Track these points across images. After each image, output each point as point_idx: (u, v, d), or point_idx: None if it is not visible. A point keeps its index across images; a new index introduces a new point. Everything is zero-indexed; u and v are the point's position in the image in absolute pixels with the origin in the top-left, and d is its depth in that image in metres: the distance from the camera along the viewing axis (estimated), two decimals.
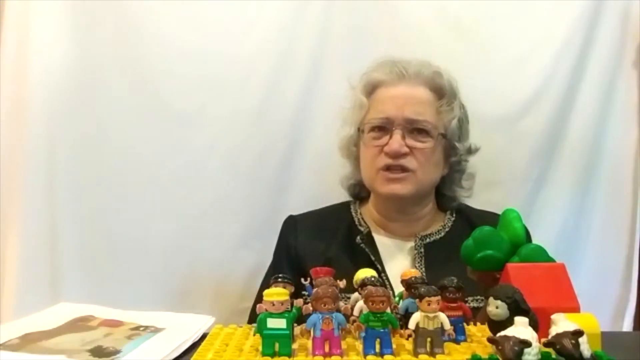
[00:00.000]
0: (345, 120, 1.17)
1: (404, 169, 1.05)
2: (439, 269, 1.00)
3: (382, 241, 1.11)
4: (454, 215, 1.15)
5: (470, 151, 1.15)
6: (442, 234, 1.11)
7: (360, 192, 1.19)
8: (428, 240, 1.10)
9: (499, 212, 0.83)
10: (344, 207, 1.19)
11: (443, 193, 1.16)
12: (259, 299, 1.11)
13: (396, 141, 1.04)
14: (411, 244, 1.10)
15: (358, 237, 1.09)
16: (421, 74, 1.09)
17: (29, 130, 1.25)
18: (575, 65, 1.33)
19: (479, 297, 0.96)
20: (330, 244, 1.10)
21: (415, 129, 1.06)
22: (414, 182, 1.06)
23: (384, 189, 1.07)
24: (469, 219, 1.13)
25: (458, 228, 1.11)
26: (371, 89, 1.12)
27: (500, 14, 1.34)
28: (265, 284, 1.00)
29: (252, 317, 1.04)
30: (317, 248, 1.10)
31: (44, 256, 1.25)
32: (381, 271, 1.04)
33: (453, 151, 1.12)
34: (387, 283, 1.02)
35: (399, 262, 1.08)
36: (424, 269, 1.06)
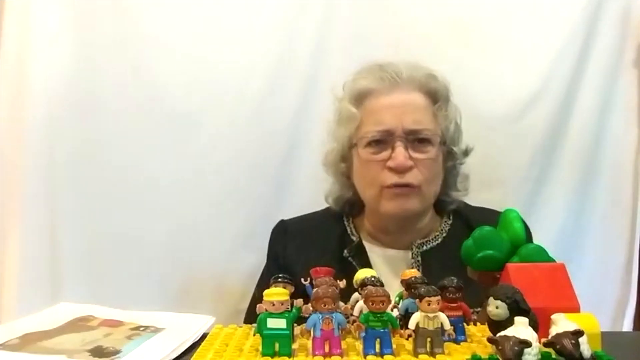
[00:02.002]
0: (330, 134, 1.12)
1: (409, 186, 1.00)
2: (437, 276, 0.96)
3: (375, 251, 1.07)
4: (451, 218, 1.11)
5: (466, 153, 1.11)
6: (439, 239, 1.07)
7: (351, 209, 1.13)
8: (425, 247, 1.05)
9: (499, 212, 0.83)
10: (337, 213, 1.14)
11: (440, 198, 1.10)
12: (253, 301, 1.11)
13: (400, 154, 0.98)
14: (407, 253, 1.06)
15: (345, 251, 1.05)
16: (414, 78, 1.03)
17: (29, 130, 1.25)
18: (575, 65, 1.33)
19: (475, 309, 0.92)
20: (319, 257, 1.02)
21: (416, 139, 1.00)
22: (420, 198, 1.02)
23: (391, 207, 1.01)
24: (467, 220, 1.09)
25: (456, 232, 1.07)
26: (361, 99, 1.04)
27: (501, 14, 1.34)
28: (260, 287, 0.99)
29: (247, 320, 1.03)
30: (306, 260, 1.00)
31: (44, 256, 1.25)
32: None
33: (450, 155, 1.08)
34: None
35: (394, 272, 1.01)
36: None
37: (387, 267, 1.05)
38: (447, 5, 1.34)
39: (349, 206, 1.13)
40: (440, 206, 1.12)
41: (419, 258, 1.04)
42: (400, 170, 0.99)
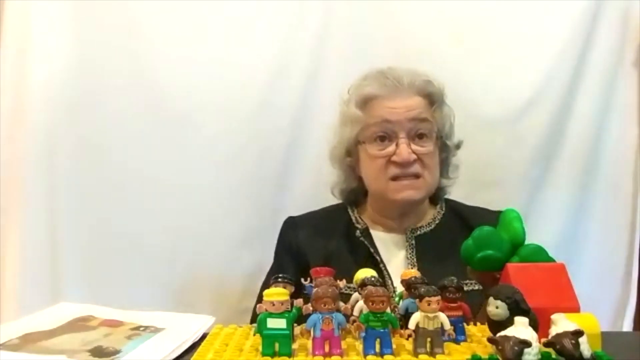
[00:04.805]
0: (336, 131, 1.16)
1: (414, 176, 1.07)
2: (430, 259, 1.07)
3: (378, 236, 1.12)
4: (444, 209, 1.16)
5: (458, 147, 1.17)
6: (432, 226, 1.13)
7: (356, 198, 1.19)
8: (419, 232, 1.12)
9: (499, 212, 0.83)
10: (341, 208, 1.20)
11: None
12: (260, 299, 1.12)
13: (404, 150, 1.05)
14: (403, 236, 1.12)
15: (357, 231, 1.12)
16: (414, 84, 1.10)
17: (29, 130, 1.25)
18: (575, 65, 1.33)
19: (472, 280, 0.94)
20: (330, 240, 1.12)
21: (417, 135, 1.07)
22: (424, 186, 1.09)
23: (399, 196, 1.08)
24: (459, 213, 1.15)
25: (448, 221, 1.14)
26: (365, 103, 1.10)
27: (500, 14, 1.34)
28: (267, 285, 1.00)
29: (254, 318, 1.04)
30: (317, 243, 1.12)
31: (44, 256, 1.25)
32: (379, 262, 1.06)
33: (445, 148, 1.14)
34: (385, 273, 1.05)
35: (395, 254, 1.10)
36: (415, 259, 1.08)
37: (388, 250, 1.11)
38: (447, 6, 1.34)
39: (354, 196, 1.19)
40: (434, 195, 1.17)
41: (413, 241, 1.11)
42: (404, 165, 1.06)
